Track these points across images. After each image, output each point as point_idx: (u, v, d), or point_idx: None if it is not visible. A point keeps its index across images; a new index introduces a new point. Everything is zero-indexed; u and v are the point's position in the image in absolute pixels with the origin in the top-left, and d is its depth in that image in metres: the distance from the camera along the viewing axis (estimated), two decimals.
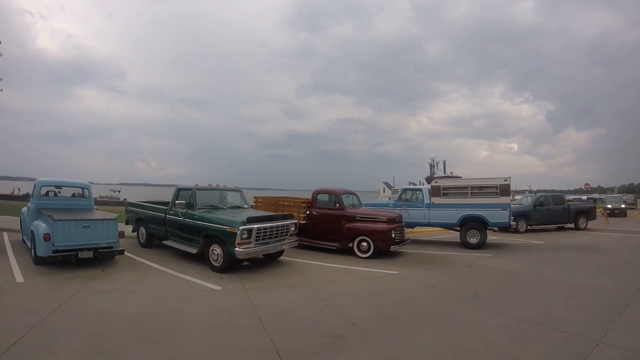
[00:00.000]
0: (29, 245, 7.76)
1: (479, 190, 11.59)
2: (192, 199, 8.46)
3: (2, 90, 25.72)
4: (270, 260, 8.69)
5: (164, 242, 9.02)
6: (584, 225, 17.52)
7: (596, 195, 45.74)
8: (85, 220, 7.44)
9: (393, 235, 9.55)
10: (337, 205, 10.42)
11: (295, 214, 9.99)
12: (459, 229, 11.84)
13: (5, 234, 10.53)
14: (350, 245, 9.87)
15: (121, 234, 7.95)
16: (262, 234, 7.54)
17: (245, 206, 9.54)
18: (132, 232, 10.38)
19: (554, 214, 17.09)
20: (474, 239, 11.42)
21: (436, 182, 12.52)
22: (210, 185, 9.48)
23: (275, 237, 7.97)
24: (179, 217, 8.43)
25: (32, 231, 7.40)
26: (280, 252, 8.76)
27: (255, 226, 7.38)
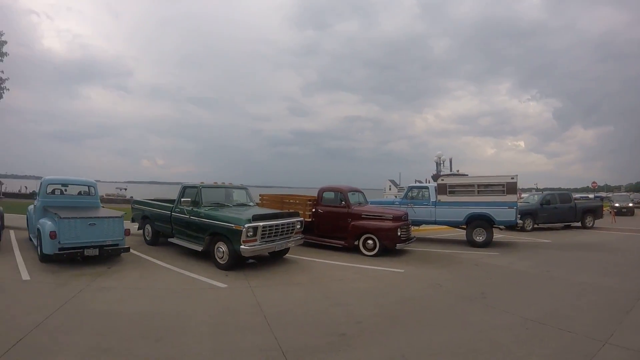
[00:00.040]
0: (35, 243, 7.82)
1: (486, 188, 11.50)
2: (197, 196, 8.49)
3: (9, 90, 25.98)
4: (275, 258, 8.70)
5: (170, 239, 9.06)
6: (590, 224, 17.40)
7: (603, 194, 45.31)
8: (91, 218, 7.48)
9: (399, 233, 9.51)
10: (343, 202, 10.40)
11: (301, 212, 9.99)
12: (465, 227, 11.78)
13: (12, 232, 10.64)
14: (356, 243, 9.85)
15: (127, 232, 7.99)
16: (267, 232, 7.54)
17: (251, 204, 9.55)
18: (138, 229, 10.45)
19: (560, 212, 16.97)
20: (481, 237, 11.36)
21: (442, 179, 12.45)
22: (215, 183, 9.51)
23: (280, 234, 7.97)
24: (185, 214, 8.46)
25: (38, 229, 7.44)
26: (286, 250, 8.75)
27: (261, 224, 7.38)
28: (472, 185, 11.76)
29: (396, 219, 9.83)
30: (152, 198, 11.59)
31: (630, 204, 27.30)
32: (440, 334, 4.47)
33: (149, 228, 10.04)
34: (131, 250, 8.27)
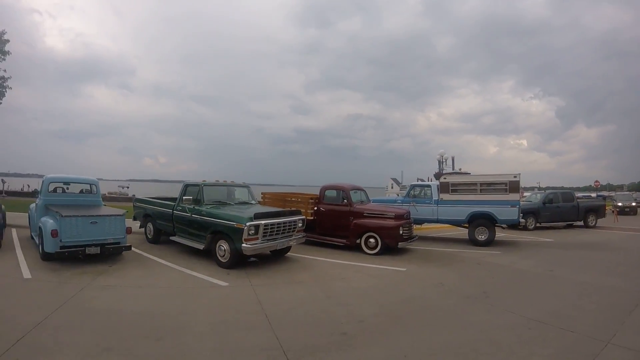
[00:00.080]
0: (37, 241, 7.83)
1: (488, 186, 11.46)
2: (199, 195, 8.48)
3: (11, 88, 26.04)
4: (277, 257, 8.68)
5: (171, 238, 9.06)
6: (593, 223, 17.35)
7: (606, 193, 45.11)
8: (92, 216, 7.48)
9: (401, 232, 9.48)
10: (345, 201, 10.38)
11: (302, 210, 9.99)
12: (467, 225, 11.75)
13: (13, 230, 10.65)
14: (358, 241, 9.83)
15: (129, 230, 7.99)
16: (269, 230, 7.53)
17: (253, 202, 9.54)
18: (140, 228, 10.46)
19: (563, 211, 16.92)
20: (483, 236, 11.33)
21: (445, 178, 12.41)
22: (217, 181, 9.49)
23: (282, 233, 7.95)
24: (187, 213, 8.46)
25: (40, 227, 7.46)
26: (288, 248, 8.74)
27: (263, 222, 7.37)
28: (474, 184, 11.71)
29: (398, 217, 9.79)
30: (154, 196, 11.61)
31: (633, 203, 27.19)
32: (442, 334, 4.45)
33: (151, 226, 10.04)
34: (133, 249, 8.26)
